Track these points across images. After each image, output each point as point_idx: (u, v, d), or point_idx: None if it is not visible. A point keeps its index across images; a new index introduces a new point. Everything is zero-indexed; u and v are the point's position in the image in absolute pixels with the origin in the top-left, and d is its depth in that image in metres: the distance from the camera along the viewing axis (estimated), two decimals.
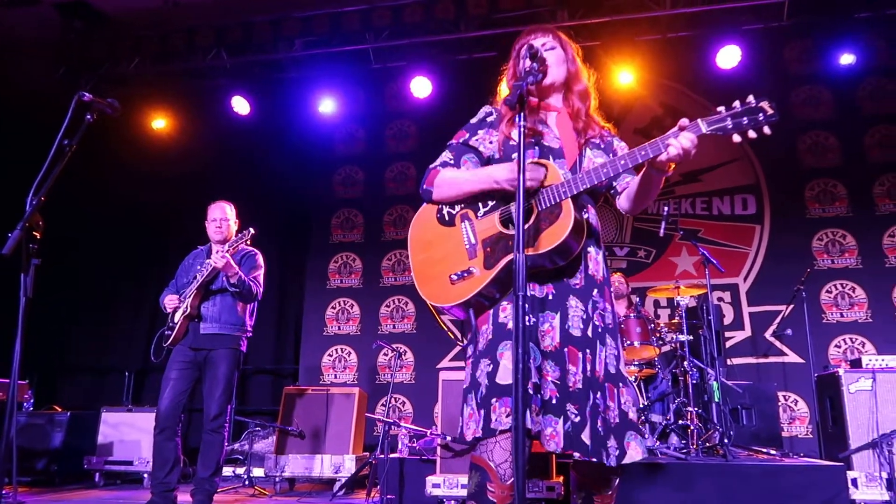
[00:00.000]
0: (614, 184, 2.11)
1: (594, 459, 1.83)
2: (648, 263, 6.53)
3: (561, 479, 3.88)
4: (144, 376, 7.20)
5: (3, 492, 2.59)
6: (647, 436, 4.58)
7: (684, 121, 1.80)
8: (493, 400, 1.84)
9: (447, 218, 2.10)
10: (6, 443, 2.39)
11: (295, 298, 7.35)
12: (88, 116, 2.61)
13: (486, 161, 2.12)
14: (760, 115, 1.74)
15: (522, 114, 1.77)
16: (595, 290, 1.99)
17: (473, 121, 2.20)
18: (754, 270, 6.32)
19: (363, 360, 6.91)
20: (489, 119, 2.17)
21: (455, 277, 1.99)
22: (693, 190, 6.60)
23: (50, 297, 7.02)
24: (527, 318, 1.83)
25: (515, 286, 1.63)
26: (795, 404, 5.94)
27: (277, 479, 5.10)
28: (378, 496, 4.00)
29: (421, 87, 6.91)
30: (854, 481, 3.86)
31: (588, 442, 1.82)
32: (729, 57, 6.31)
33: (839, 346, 5.98)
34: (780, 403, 5.72)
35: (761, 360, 6.09)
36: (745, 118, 1.75)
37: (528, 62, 1.92)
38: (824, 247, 6.23)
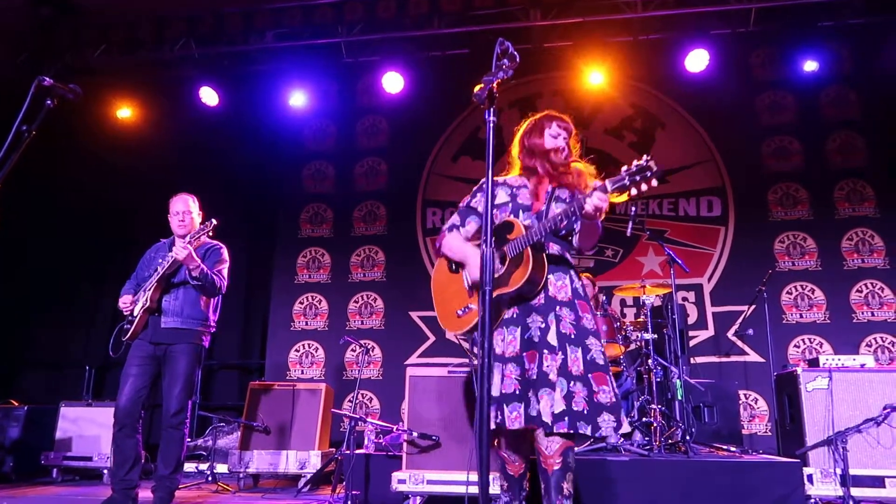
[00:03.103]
0: (574, 227, 2.58)
1: (560, 429, 2.29)
2: (616, 263, 6.61)
3: None
4: (106, 371, 7.03)
5: None
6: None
7: (596, 182, 2.29)
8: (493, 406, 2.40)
9: (454, 267, 2.75)
10: None
11: (262, 293, 7.26)
12: (49, 102, 2.53)
13: None
14: (648, 171, 2.14)
15: (492, 109, 1.80)
16: (558, 307, 2.49)
17: (475, 188, 2.82)
18: (718, 271, 6.44)
19: (330, 355, 6.87)
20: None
21: (460, 313, 2.61)
22: (660, 191, 6.69)
23: (8, 288, 6.84)
24: (501, 338, 2.49)
25: (483, 280, 1.67)
26: (756, 402, 6.07)
27: (241, 475, 5.04)
28: (343, 492, 3.98)
29: (393, 82, 6.86)
30: (810, 477, 3.96)
31: (534, 415, 2.32)
32: (697, 60, 6.43)
33: (798, 346, 6.13)
34: (740, 402, 5.84)
35: (723, 359, 6.21)
36: (637, 175, 2.16)
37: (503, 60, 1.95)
38: (786, 249, 6.38)
